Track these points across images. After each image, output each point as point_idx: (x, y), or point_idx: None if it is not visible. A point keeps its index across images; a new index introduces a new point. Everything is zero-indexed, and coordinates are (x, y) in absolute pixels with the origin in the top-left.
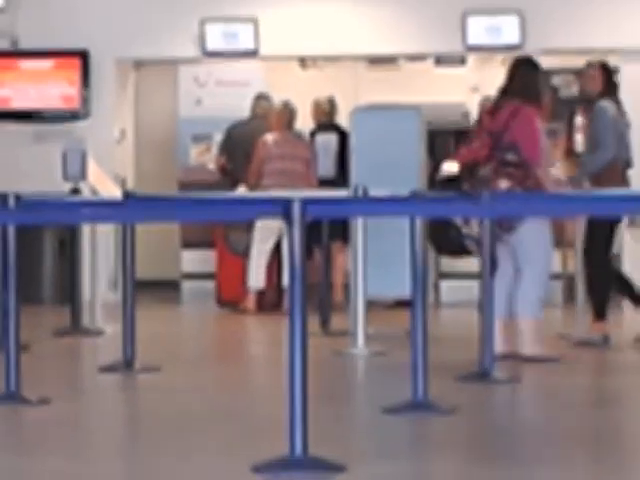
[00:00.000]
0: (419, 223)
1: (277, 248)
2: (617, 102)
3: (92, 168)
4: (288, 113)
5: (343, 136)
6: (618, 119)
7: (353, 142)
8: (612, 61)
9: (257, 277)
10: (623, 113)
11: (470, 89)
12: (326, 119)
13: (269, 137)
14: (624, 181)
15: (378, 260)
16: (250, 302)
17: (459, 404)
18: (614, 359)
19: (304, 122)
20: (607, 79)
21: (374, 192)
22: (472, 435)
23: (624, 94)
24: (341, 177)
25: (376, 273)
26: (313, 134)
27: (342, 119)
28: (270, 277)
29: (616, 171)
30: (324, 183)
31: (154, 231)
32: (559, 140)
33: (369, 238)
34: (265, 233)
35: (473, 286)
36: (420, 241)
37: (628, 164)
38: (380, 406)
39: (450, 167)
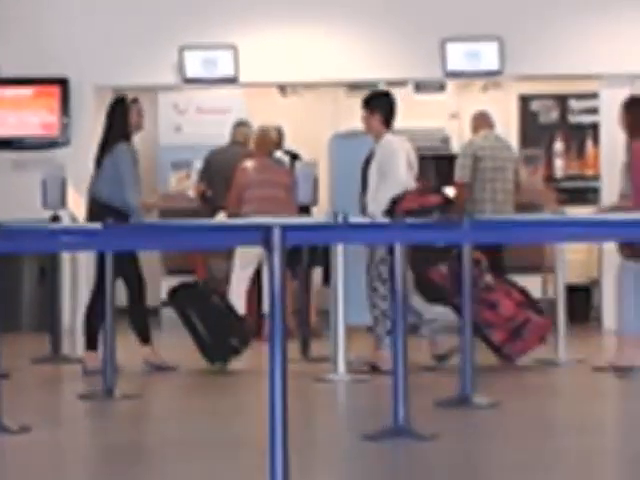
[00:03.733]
0: (399, 249)
1: (257, 275)
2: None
3: (72, 196)
4: (267, 138)
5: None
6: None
7: (333, 168)
8: (591, 87)
9: (237, 304)
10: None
11: (450, 115)
12: (275, 148)
13: (249, 163)
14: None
15: (358, 286)
16: None
17: (439, 430)
18: (601, 385)
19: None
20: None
21: (354, 218)
22: (452, 462)
23: (603, 119)
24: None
25: (356, 299)
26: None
27: (322, 146)
28: (250, 304)
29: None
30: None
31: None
32: (538, 166)
33: (349, 263)
34: (245, 260)
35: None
36: (400, 267)
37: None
38: (361, 432)
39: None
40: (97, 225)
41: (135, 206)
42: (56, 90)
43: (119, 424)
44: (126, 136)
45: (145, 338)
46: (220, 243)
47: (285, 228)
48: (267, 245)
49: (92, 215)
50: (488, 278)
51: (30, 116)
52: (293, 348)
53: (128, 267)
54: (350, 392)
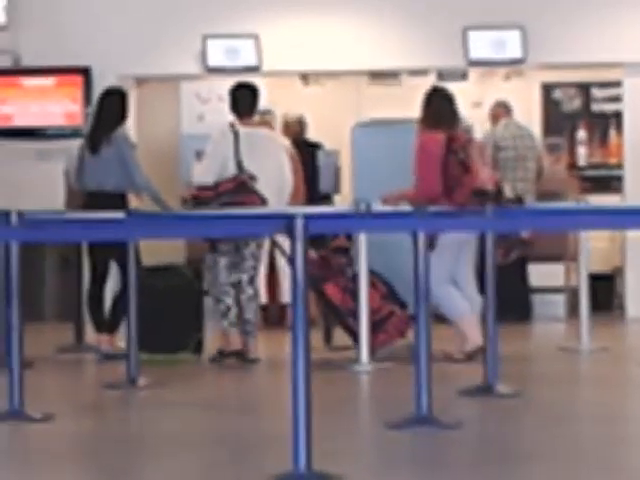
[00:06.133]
0: (422, 238)
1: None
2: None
3: None
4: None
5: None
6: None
7: (354, 157)
8: (614, 75)
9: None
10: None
11: (472, 104)
12: (298, 137)
13: None
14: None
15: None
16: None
17: (462, 418)
18: (624, 373)
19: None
20: (122, 106)
21: (376, 207)
22: (474, 450)
23: (627, 107)
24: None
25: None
26: (303, 146)
27: (345, 134)
28: (271, 292)
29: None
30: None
31: (160, 247)
32: (561, 155)
33: (375, 252)
34: None
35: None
36: (423, 256)
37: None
38: (384, 421)
39: None
40: (120, 214)
41: (147, 185)
42: (79, 79)
43: (142, 413)
44: (117, 126)
45: (115, 327)
46: (243, 232)
47: (308, 217)
48: (290, 234)
49: (95, 206)
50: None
51: (53, 106)
52: (316, 337)
53: (117, 255)
54: (373, 381)
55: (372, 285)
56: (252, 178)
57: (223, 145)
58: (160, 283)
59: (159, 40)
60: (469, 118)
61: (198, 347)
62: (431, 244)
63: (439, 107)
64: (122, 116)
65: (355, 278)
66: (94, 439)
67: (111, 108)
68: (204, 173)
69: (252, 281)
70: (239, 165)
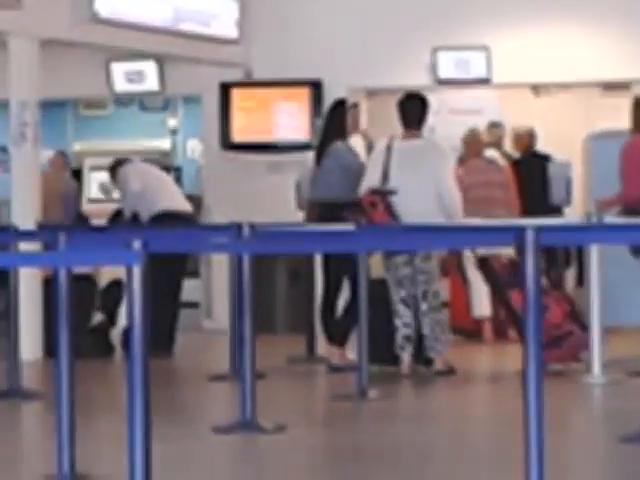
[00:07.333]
0: None
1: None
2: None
3: None
4: (475, 139)
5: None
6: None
7: (587, 169)
8: None
9: (480, 305)
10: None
11: None
12: (528, 149)
13: (459, 168)
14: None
15: (617, 286)
16: (486, 331)
17: None
18: None
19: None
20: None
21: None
22: None
23: None
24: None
25: (615, 299)
26: (533, 158)
27: (576, 146)
28: (495, 305)
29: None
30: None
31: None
32: None
33: (609, 263)
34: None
35: None
36: None
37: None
38: (617, 435)
39: None
40: (349, 226)
41: None
42: (309, 92)
43: (373, 425)
44: (342, 137)
45: (344, 339)
46: (471, 244)
47: (539, 229)
48: (520, 246)
49: (328, 218)
50: (542, 280)
51: (283, 119)
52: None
53: (350, 268)
54: (606, 394)
55: (557, 301)
56: (387, 193)
57: (376, 161)
58: (388, 294)
59: (389, 52)
60: None
61: (428, 359)
62: (637, 251)
63: None
64: (343, 127)
65: (544, 290)
66: (326, 451)
67: (333, 120)
68: (360, 189)
69: (425, 295)
70: (384, 180)
